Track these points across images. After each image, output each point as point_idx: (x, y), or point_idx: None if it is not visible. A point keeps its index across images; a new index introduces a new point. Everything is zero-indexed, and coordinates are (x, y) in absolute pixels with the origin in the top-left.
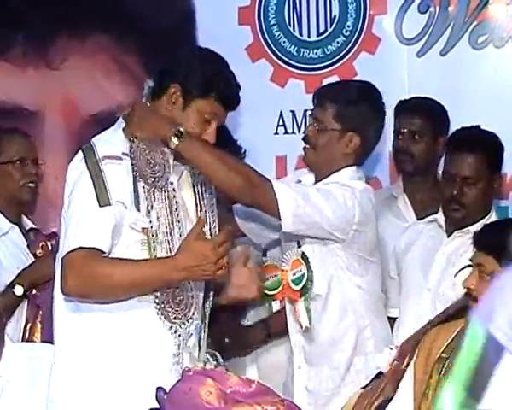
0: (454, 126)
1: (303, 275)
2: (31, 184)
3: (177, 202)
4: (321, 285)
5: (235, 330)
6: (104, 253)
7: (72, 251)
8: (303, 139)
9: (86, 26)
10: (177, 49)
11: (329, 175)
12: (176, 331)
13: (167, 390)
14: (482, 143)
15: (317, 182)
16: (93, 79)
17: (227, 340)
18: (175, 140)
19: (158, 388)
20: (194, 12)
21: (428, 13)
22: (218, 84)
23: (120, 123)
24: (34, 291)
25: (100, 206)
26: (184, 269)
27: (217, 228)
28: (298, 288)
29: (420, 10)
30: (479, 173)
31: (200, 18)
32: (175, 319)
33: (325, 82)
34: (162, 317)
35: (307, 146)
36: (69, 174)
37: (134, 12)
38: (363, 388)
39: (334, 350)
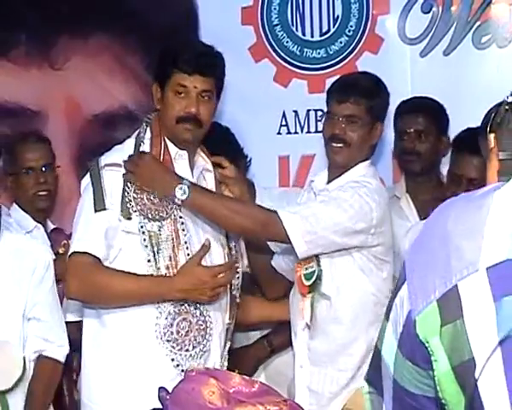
0: (457, 126)
1: (313, 272)
2: (42, 193)
3: (185, 234)
4: (330, 286)
5: (240, 355)
6: (97, 258)
7: (72, 256)
8: (331, 138)
9: (89, 25)
10: None
11: (342, 174)
12: (178, 365)
13: (170, 390)
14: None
15: (330, 181)
16: (96, 78)
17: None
18: (180, 195)
19: (160, 388)
20: (196, 12)
21: (431, 13)
22: (178, 56)
23: (134, 135)
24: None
25: (95, 211)
26: (181, 290)
27: (235, 251)
28: (307, 283)
29: (423, 10)
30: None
31: (202, 18)
32: (180, 350)
33: (328, 82)
34: (164, 348)
35: (338, 145)
36: (81, 187)
37: (137, 12)
38: None
39: (342, 354)
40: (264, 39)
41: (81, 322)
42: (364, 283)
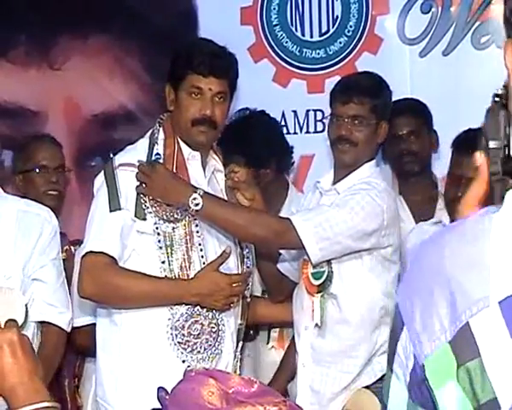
0: (456, 126)
1: (323, 272)
2: (53, 192)
3: (199, 236)
4: (340, 286)
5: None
6: (113, 258)
7: (86, 255)
8: (338, 139)
9: (88, 26)
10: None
11: (349, 174)
12: (189, 367)
13: (169, 390)
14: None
15: (335, 182)
16: (95, 79)
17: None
18: (194, 205)
19: (159, 388)
20: (196, 12)
21: (431, 13)
22: (193, 58)
23: (147, 135)
24: None
25: (110, 211)
26: (196, 295)
27: (249, 264)
28: (316, 283)
29: (422, 10)
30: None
31: (202, 18)
32: (192, 351)
33: (327, 82)
34: (176, 349)
35: (345, 146)
36: (94, 186)
37: (136, 12)
38: (366, 387)
39: (346, 355)
40: (264, 39)
41: (87, 326)
42: (373, 284)
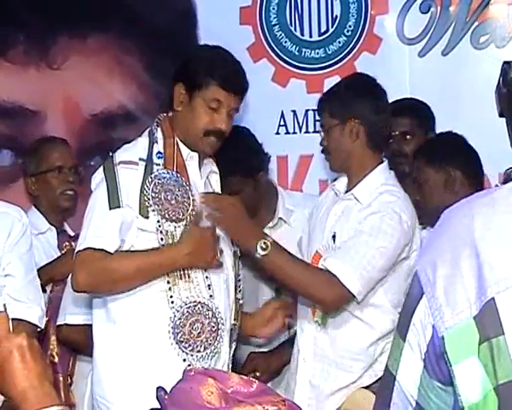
0: (455, 126)
1: None
2: (69, 192)
3: None
4: None
5: (264, 361)
6: (111, 253)
7: (82, 250)
8: (322, 152)
9: (87, 25)
10: (179, 48)
11: (362, 179)
12: (189, 366)
13: (168, 390)
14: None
15: (350, 188)
16: (94, 78)
17: (258, 374)
18: (260, 251)
19: (158, 387)
20: (195, 11)
21: (430, 13)
22: (216, 69)
23: (146, 132)
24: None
25: (110, 208)
26: (188, 254)
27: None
28: None
29: (421, 10)
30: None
31: (201, 17)
32: (192, 350)
33: (327, 82)
34: (177, 348)
35: (327, 156)
36: (92, 182)
37: (135, 11)
38: (366, 387)
39: (350, 357)
40: (263, 39)
41: (80, 326)
42: (383, 287)
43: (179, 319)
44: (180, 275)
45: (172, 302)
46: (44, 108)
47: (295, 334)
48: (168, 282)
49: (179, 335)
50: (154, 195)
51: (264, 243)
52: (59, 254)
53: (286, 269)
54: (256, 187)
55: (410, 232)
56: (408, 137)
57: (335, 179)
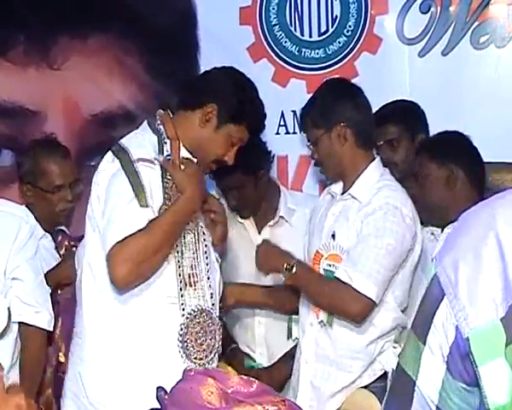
0: (455, 126)
1: None
2: (67, 209)
3: (206, 245)
4: None
5: (267, 376)
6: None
7: (111, 249)
8: (315, 165)
9: (87, 26)
10: (179, 49)
11: (357, 178)
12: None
13: (168, 390)
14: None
15: (345, 190)
16: (94, 78)
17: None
18: (287, 273)
19: (158, 387)
20: (195, 12)
21: (430, 13)
22: (251, 114)
23: (145, 127)
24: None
25: (140, 206)
26: (193, 193)
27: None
28: None
29: (421, 10)
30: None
31: (201, 18)
32: (195, 358)
33: None
34: (184, 355)
35: (319, 167)
36: (100, 175)
37: (135, 12)
38: (364, 387)
39: (351, 357)
40: (263, 39)
41: None
42: (390, 284)
43: (187, 326)
44: (190, 282)
45: (183, 309)
46: (44, 108)
47: (295, 345)
48: (180, 289)
49: (187, 342)
50: (172, 195)
51: (288, 264)
52: (58, 257)
53: (311, 287)
54: (257, 185)
55: (413, 225)
56: (394, 144)
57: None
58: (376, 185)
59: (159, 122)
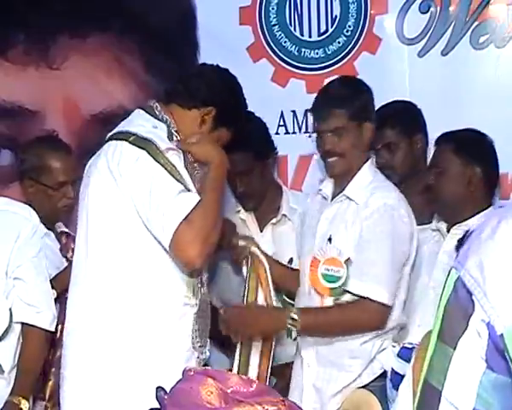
0: (455, 126)
1: (339, 278)
2: (68, 206)
3: None
4: (351, 297)
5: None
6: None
7: (173, 235)
8: (325, 154)
9: (87, 25)
10: (178, 49)
11: (352, 179)
12: (198, 358)
13: (168, 390)
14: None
15: (339, 191)
16: (94, 78)
17: (275, 380)
18: (293, 329)
19: (158, 387)
20: (195, 11)
21: (429, 13)
22: (242, 119)
23: (149, 118)
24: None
25: (188, 190)
26: (221, 160)
27: None
28: (329, 285)
29: (421, 10)
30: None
31: (201, 17)
32: (200, 347)
33: (326, 82)
34: (194, 347)
35: (333, 159)
36: (124, 166)
37: (135, 11)
38: (363, 387)
39: (351, 356)
40: (263, 39)
41: None
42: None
43: (198, 318)
44: (200, 279)
45: (198, 305)
46: (44, 107)
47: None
48: (192, 289)
49: (198, 335)
50: (195, 179)
51: (291, 319)
52: (60, 256)
53: (322, 326)
54: (263, 173)
55: (410, 225)
56: (390, 148)
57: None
58: (371, 186)
59: (162, 113)
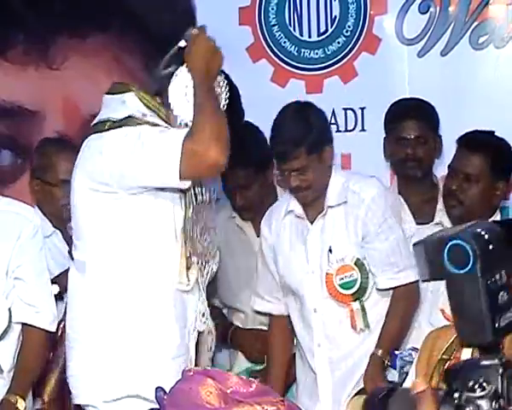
0: (455, 126)
1: (355, 280)
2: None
3: None
4: (373, 295)
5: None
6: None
7: (182, 148)
8: (293, 190)
9: (87, 25)
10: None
11: (326, 190)
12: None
13: (167, 390)
14: (490, 145)
15: (312, 206)
16: (93, 78)
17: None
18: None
19: (157, 388)
20: (194, 12)
21: (429, 13)
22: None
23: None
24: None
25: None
26: (207, 69)
27: None
28: (348, 292)
29: (420, 10)
30: (481, 173)
31: (200, 18)
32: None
33: (326, 82)
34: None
35: (302, 193)
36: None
37: (134, 12)
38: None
39: (350, 353)
40: (262, 39)
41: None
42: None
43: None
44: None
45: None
46: (43, 108)
47: None
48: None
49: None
50: None
51: (384, 363)
52: (67, 256)
53: (398, 340)
54: (264, 184)
55: (396, 197)
56: (421, 141)
57: None
58: (346, 184)
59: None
